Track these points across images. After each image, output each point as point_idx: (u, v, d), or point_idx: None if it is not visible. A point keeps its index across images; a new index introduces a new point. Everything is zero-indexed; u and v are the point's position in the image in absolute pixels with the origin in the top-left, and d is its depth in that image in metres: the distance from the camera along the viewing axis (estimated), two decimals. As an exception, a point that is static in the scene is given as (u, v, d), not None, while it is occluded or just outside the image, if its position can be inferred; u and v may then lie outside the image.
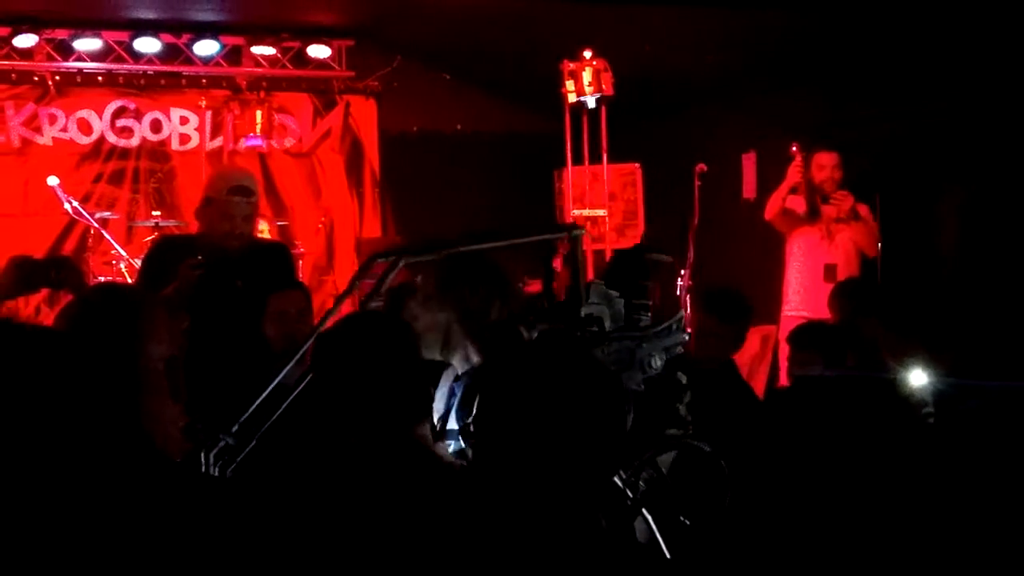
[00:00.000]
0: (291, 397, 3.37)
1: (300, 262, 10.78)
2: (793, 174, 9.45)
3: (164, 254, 6.02)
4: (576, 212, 11.35)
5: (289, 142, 12.36)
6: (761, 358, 10.70)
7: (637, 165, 11.71)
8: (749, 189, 11.62)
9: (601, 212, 11.41)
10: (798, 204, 9.50)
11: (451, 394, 4.01)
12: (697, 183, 10.36)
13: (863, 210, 9.34)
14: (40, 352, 2.13)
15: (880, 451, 2.92)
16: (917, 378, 4.49)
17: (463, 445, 3.78)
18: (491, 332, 3.86)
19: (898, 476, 2.84)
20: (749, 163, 11.59)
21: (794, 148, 9.47)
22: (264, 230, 10.10)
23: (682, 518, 3.52)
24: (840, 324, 6.91)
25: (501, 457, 2.68)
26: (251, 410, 3.34)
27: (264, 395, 3.38)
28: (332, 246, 12.37)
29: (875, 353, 6.05)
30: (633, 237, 11.55)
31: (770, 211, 9.68)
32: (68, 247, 11.30)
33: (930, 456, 2.89)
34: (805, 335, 6.19)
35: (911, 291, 9.79)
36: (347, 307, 4.26)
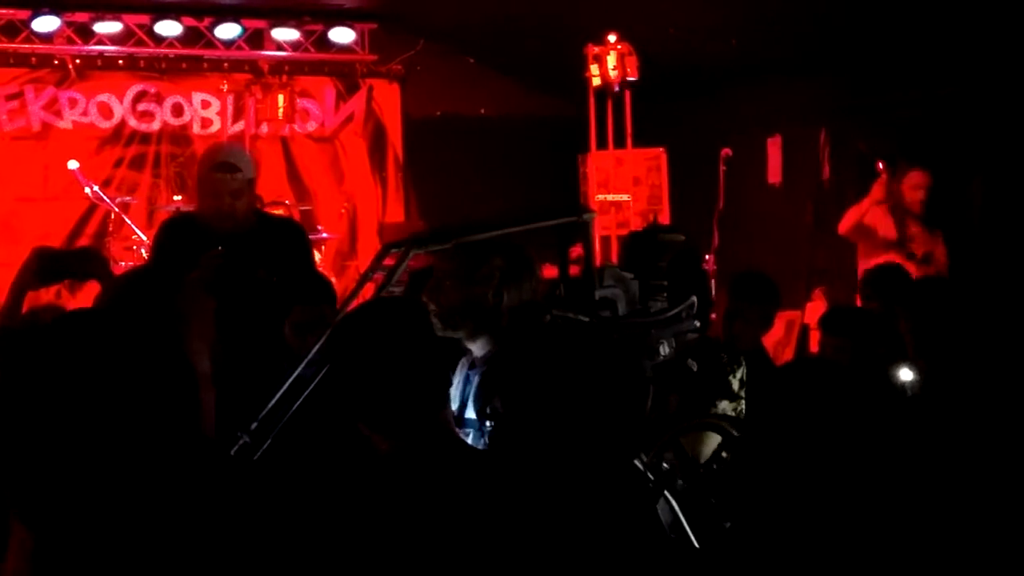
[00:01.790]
0: (307, 391, 3.31)
1: (323, 247, 10.74)
2: (877, 192, 9.14)
3: (172, 234, 5.92)
4: (600, 197, 11.28)
5: (312, 126, 12.32)
6: (785, 344, 10.62)
7: (662, 150, 11.63)
8: (774, 173, 11.55)
9: (625, 197, 11.33)
10: (885, 227, 9.18)
11: (466, 381, 3.96)
12: (722, 168, 10.29)
13: (939, 252, 9.04)
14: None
15: (864, 444, 2.85)
16: (905, 374, 4.42)
17: (481, 435, 3.73)
18: (509, 320, 3.79)
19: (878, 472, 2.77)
20: (774, 147, 11.51)
21: (880, 165, 9.17)
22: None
23: (712, 500, 3.49)
24: (876, 310, 6.78)
25: (519, 444, 2.67)
26: (269, 407, 3.29)
27: (282, 392, 3.33)
28: (355, 231, 12.33)
29: (900, 342, 5.96)
30: (659, 222, 11.48)
31: (845, 225, 9.41)
32: (89, 231, 11.31)
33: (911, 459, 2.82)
34: (838, 320, 6.07)
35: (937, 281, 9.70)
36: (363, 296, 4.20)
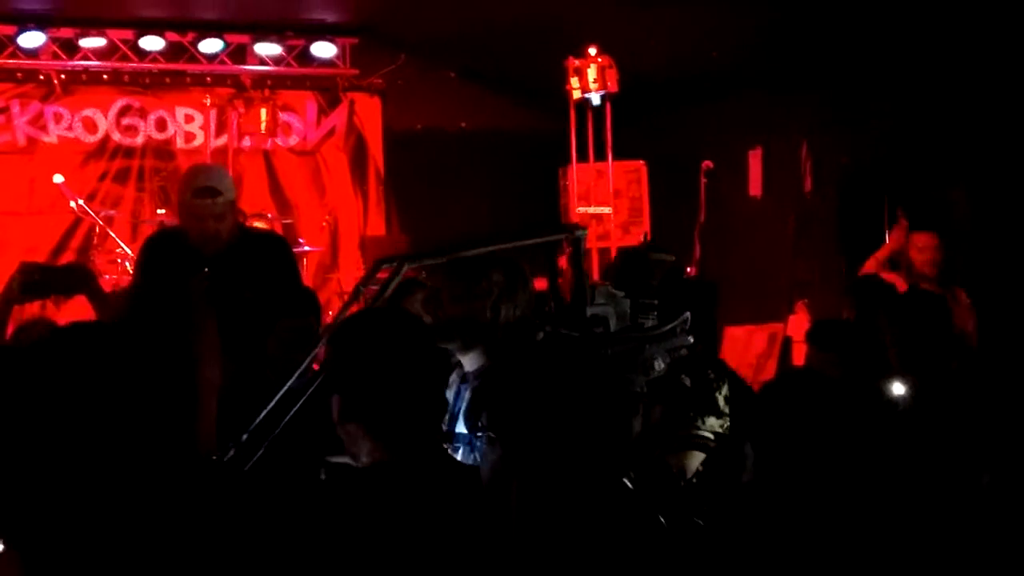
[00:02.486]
0: (299, 404, 3.36)
1: (304, 260, 10.77)
2: (896, 238, 8.96)
3: (157, 249, 5.92)
4: (581, 210, 11.34)
5: (293, 140, 12.36)
6: (768, 356, 10.69)
7: (642, 162, 11.69)
8: (755, 186, 11.60)
9: (606, 210, 11.39)
10: (898, 282, 9.03)
11: (458, 396, 3.99)
12: (703, 180, 10.35)
13: (961, 294, 8.95)
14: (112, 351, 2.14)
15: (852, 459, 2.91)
16: (896, 388, 4.45)
17: (471, 449, 3.77)
18: (501, 335, 3.84)
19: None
20: (755, 160, 11.57)
21: (900, 211, 9.01)
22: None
23: (696, 519, 3.52)
24: (859, 321, 6.82)
25: (509, 460, 2.70)
26: (260, 417, 3.34)
27: (273, 403, 3.37)
28: (336, 244, 12.36)
29: (883, 354, 6.00)
30: (638, 234, 11.53)
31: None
32: (73, 245, 11.34)
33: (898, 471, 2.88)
34: (826, 334, 6.10)
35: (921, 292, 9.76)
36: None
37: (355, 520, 2.75)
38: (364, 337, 3.06)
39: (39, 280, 4.76)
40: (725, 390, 4.45)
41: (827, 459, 2.89)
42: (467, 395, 3.86)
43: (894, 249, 8.96)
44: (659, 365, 3.60)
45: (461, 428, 3.86)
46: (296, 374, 3.63)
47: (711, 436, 4.35)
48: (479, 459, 3.69)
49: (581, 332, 3.45)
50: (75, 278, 4.85)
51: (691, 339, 3.77)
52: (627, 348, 3.57)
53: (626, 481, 3.40)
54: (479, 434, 3.72)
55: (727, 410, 4.36)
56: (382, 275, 3.68)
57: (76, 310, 9.38)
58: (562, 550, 2.62)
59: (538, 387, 2.74)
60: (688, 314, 3.78)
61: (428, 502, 2.85)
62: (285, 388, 3.61)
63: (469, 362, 3.94)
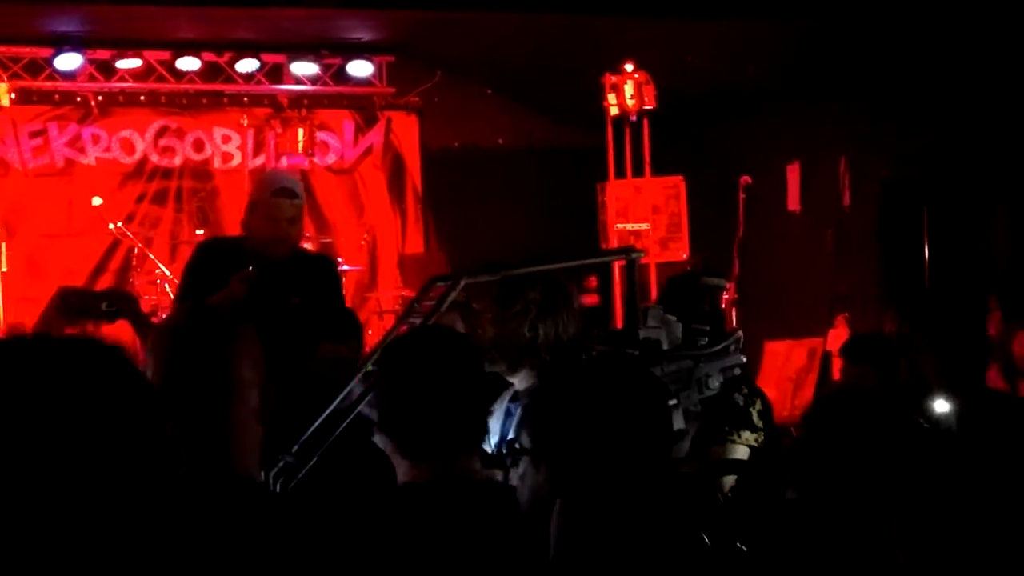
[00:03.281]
0: (350, 416, 3.34)
1: (343, 279, 10.76)
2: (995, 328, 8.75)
3: (210, 256, 5.94)
4: (619, 226, 11.30)
5: (331, 159, 12.38)
6: (808, 371, 10.63)
7: (680, 178, 11.65)
8: (794, 201, 11.56)
9: (644, 226, 11.35)
10: (996, 380, 8.71)
11: (507, 414, 3.98)
12: (742, 195, 10.30)
13: None
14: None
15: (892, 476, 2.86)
16: (941, 406, 4.39)
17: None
18: (548, 354, 3.82)
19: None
20: (794, 174, 11.53)
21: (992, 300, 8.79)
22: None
23: (737, 542, 3.49)
24: (892, 336, 6.80)
25: (552, 477, 2.68)
26: (311, 430, 3.31)
27: (325, 415, 3.35)
28: (375, 263, 12.36)
29: (921, 371, 5.96)
30: (677, 250, 11.50)
31: None
32: (112, 267, 11.38)
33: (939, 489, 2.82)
34: (860, 348, 6.08)
35: (960, 304, 9.71)
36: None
37: (385, 540, 2.73)
38: (411, 356, 3.06)
39: (77, 306, 4.76)
40: (759, 405, 4.47)
41: (875, 482, 2.84)
42: (518, 414, 3.84)
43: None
44: (714, 384, 3.56)
45: (513, 444, 3.84)
46: (342, 394, 3.60)
47: (747, 448, 4.35)
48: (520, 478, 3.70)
49: (640, 349, 3.41)
50: (116, 303, 4.85)
51: (743, 358, 3.73)
52: (680, 366, 3.53)
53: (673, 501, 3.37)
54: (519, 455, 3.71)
55: (761, 424, 4.36)
56: (434, 293, 3.66)
57: (115, 332, 9.45)
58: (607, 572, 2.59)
59: (592, 403, 2.71)
60: (740, 333, 3.75)
61: (461, 524, 2.84)
62: (331, 407, 3.59)
63: (519, 382, 3.93)
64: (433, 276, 3.76)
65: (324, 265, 6.17)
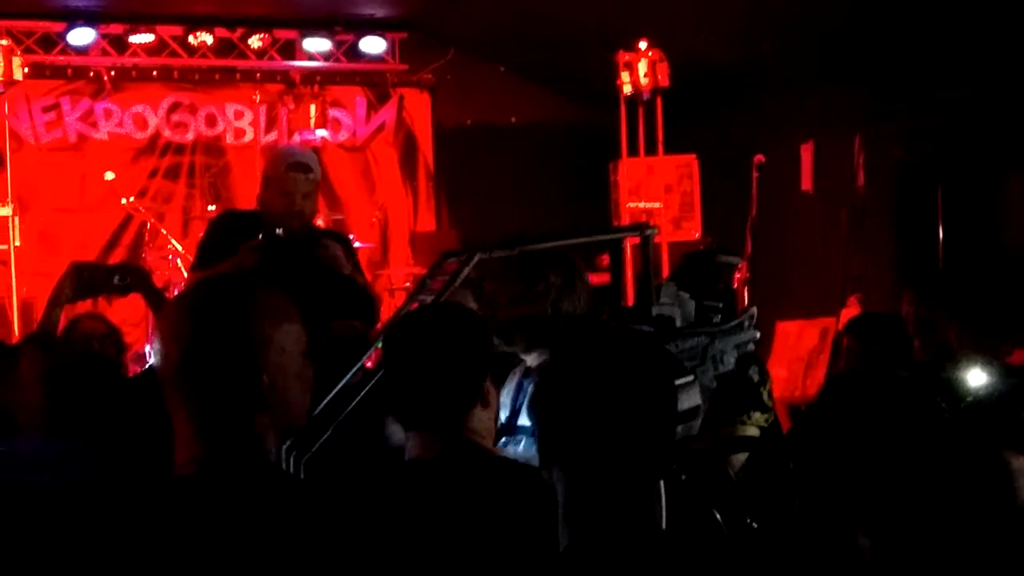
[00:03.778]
0: (364, 390, 3.33)
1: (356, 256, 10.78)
2: None
3: (226, 228, 5.93)
4: (632, 205, 11.28)
5: (343, 136, 12.37)
6: (820, 351, 10.61)
7: (693, 156, 11.62)
8: (807, 180, 11.51)
9: (657, 205, 11.32)
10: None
11: (519, 389, 3.97)
12: (755, 174, 10.25)
13: None
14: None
15: (913, 459, 2.82)
16: (976, 379, 4.35)
17: (533, 442, 3.73)
18: (563, 330, 3.81)
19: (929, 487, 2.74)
20: (807, 154, 11.48)
21: None
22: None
23: (749, 520, 3.48)
24: (909, 316, 6.77)
25: (558, 452, 2.67)
26: (323, 404, 3.31)
27: (338, 389, 3.35)
28: (387, 240, 12.36)
29: (947, 348, 5.94)
30: (689, 230, 11.47)
31: None
32: (125, 242, 11.40)
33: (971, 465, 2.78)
34: (866, 326, 6.05)
35: (975, 282, 9.68)
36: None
37: (393, 515, 2.73)
38: (422, 331, 3.05)
39: (89, 280, 4.75)
40: (769, 385, 4.45)
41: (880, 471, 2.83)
42: (530, 389, 3.83)
43: None
44: (729, 360, 3.54)
45: (524, 421, 3.83)
46: (352, 370, 3.59)
47: (757, 430, 4.34)
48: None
49: (653, 326, 3.39)
50: (130, 277, 4.84)
51: (757, 334, 3.71)
52: (696, 342, 3.51)
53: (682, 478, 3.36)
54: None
55: (770, 404, 4.35)
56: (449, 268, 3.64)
57: (127, 305, 9.46)
58: (614, 546, 2.57)
59: (597, 379, 2.70)
60: (755, 309, 3.72)
61: (470, 500, 2.83)
62: (342, 384, 3.58)
63: (532, 359, 3.91)
64: (445, 252, 3.73)
65: (338, 241, 6.15)
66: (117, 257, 11.20)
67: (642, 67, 10.81)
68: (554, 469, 2.57)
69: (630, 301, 3.89)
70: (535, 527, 2.71)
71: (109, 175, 10.62)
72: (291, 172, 5.69)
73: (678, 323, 3.71)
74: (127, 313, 9.39)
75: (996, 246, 9.91)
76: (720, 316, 3.80)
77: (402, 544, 2.66)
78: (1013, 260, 9.83)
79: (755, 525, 3.36)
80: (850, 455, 2.88)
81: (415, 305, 3.65)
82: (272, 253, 5.54)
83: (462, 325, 3.21)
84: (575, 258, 4.02)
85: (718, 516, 3.34)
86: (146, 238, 10.70)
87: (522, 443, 3.78)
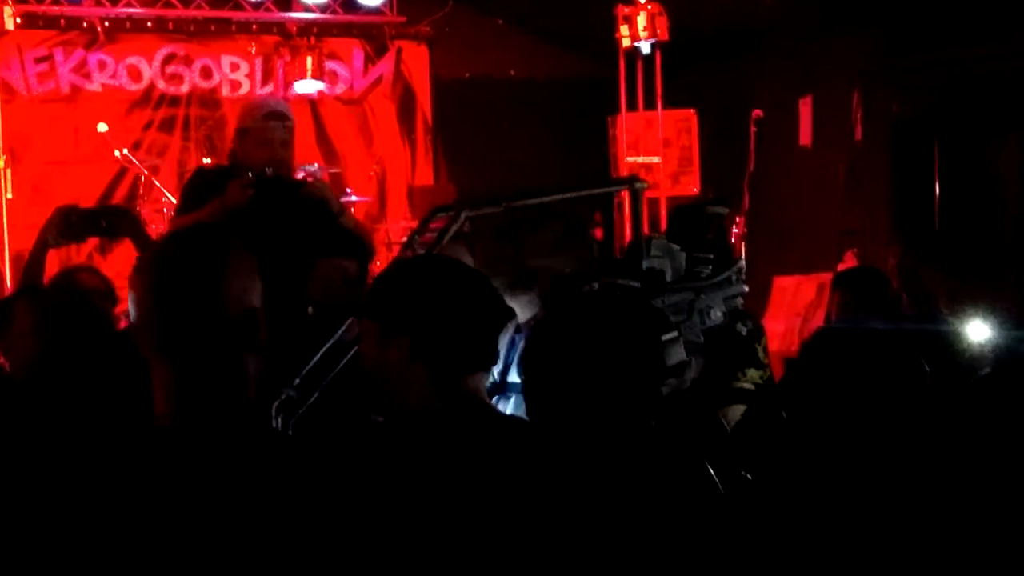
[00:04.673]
0: (352, 351, 3.31)
1: (352, 210, 10.75)
2: None
3: (202, 184, 5.89)
4: (630, 159, 11.23)
5: (340, 88, 12.30)
6: (817, 305, 10.60)
7: (692, 111, 11.57)
8: (805, 135, 11.47)
9: (655, 159, 11.28)
10: None
11: (511, 346, 3.95)
12: (753, 129, 10.21)
13: None
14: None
15: (907, 414, 2.81)
16: (977, 332, 4.33)
17: (524, 399, 3.72)
18: (555, 286, 3.78)
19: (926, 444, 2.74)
20: (805, 109, 11.43)
21: None
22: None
23: (744, 473, 3.48)
24: (893, 268, 6.77)
25: (550, 406, 2.66)
26: (312, 363, 3.29)
27: (326, 348, 3.33)
28: (384, 194, 12.32)
29: (932, 303, 5.92)
30: (688, 184, 11.43)
31: None
32: (119, 195, 11.31)
33: (971, 423, 2.77)
34: (853, 279, 6.05)
35: (970, 239, 9.67)
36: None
37: (394, 469, 2.68)
38: (414, 280, 2.94)
39: (76, 223, 4.71)
40: (764, 341, 4.44)
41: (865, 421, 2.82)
42: (521, 345, 3.81)
43: None
44: (716, 315, 3.53)
45: (514, 378, 3.81)
46: (343, 328, 3.57)
47: (752, 387, 4.33)
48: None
49: (641, 282, 3.37)
50: (117, 220, 4.80)
51: (745, 288, 3.70)
52: (682, 297, 3.50)
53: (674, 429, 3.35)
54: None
55: (766, 361, 4.34)
56: (436, 224, 3.62)
57: (123, 259, 9.42)
58: (608, 501, 2.57)
59: (589, 335, 2.68)
60: (743, 262, 3.72)
61: (470, 452, 2.79)
62: (333, 340, 3.56)
63: (523, 312, 3.89)
64: (435, 207, 3.71)
65: (320, 187, 6.08)
66: (110, 208, 11.16)
67: (641, 20, 10.75)
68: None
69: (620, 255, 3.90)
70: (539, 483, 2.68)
71: (102, 127, 10.53)
72: (269, 121, 5.69)
73: (668, 276, 3.70)
74: (122, 266, 9.37)
75: (992, 204, 9.88)
76: (711, 267, 3.79)
77: (404, 499, 2.64)
78: (1008, 218, 9.81)
79: (749, 477, 3.36)
80: (827, 408, 2.88)
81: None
82: (263, 191, 5.50)
83: (467, 279, 3.07)
84: (567, 222, 4.00)
85: (710, 469, 3.33)
86: (140, 191, 10.64)
87: (512, 400, 3.77)
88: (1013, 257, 9.51)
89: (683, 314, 3.44)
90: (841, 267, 10.40)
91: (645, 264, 3.62)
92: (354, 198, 10.93)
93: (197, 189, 5.91)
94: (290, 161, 5.88)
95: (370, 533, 2.29)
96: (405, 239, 10.97)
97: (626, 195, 4.85)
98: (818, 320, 10.40)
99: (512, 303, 3.89)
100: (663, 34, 10.72)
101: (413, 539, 2.47)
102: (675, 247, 3.72)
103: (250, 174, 5.55)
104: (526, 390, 2.69)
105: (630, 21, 10.77)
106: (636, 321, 2.78)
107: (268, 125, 5.68)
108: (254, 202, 5.47)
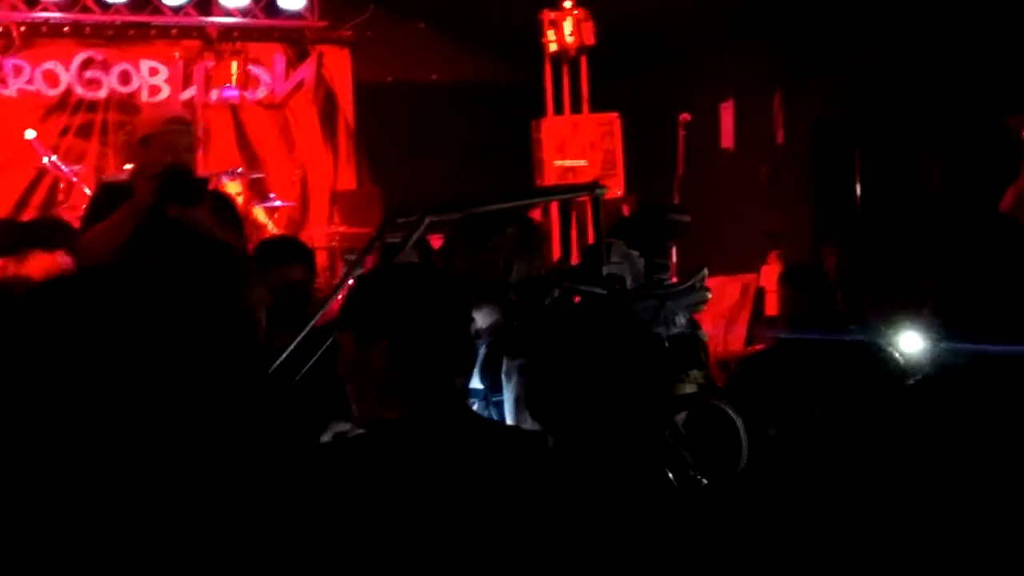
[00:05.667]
0: (320, 353, 3.26)
1: (275, 215, 10.71)
2: None
3: (107, 199, 5.75)
4: (557, 163, 11.25)
5: (261, 93, 12.20)
6: (741, 306, 10.70)
7: (615, 115, 11.61)
8: (727, 138, 11.56)
9: (581, 162, 11.31)
10: None
11: (471, 352, 3.94)
12: (682, 133, 10.28)
13: None
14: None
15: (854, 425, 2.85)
16: (907, 339, 4.34)
17: (486, 405, 3.72)
18: (518, 292, 3.78)
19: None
20: (727, 112, 11.52)
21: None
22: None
23: (697, 476, 3.49)
24: (831, 269, 6.85)
25: (563, 414, 2.66)
26: (276, 365, 3.24)
27: (289, 349, 3.28)
28: (307, 199, 12.23)
29: (860, 306, 5.99)
30: (613, 187, 11.46)
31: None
32: (35, 201, 11.12)
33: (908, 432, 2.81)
34: (801, 275, 6.12)
35: (891, 241, 9.78)
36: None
37: (369, 479, 2.66)
38: (389, 287, 2.90)
39: (15, 237, 4.63)
40: (705, 339, 4.48)
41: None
42: (482, 351, 3.79)
43: None
44: (680, 321, 3.54)
45: (476, 384, 3.80)
46: (309, 325, 3.50)
47: (696, 388, 4.36)
48: (494, 416, 3.68)
49: (607, 289, 3.37)
50: (57, 233, 4.72)
51: (708, 295, 3.72)
52: (648, 304, 3.51)
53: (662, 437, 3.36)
54: (495, 393, 3.68)
55: (706, 360, 4.38)
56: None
57: (38, 269, 9.25)
58: (594, 507, 2.57)
59: (569, 341, 2.67)
60: (706, 270, 3.74)
61: (450, 460, 2.77)
62: (292, 346, 3.50)
63: (482, 318, 3.87)
64: (393, 213, 3.68)
65: (220, 202, 5.98)
66: (28, 217, 10.94)
67: (568, 26, 10.78)
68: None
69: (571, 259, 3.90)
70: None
71: (30, 133, 10.35)
72: (172, 125, 5.57)
73: (628, 282, 3.71)
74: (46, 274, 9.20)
75: (913, 206, 10.01)
76: (668, 273, 3.81)
77: (382, 508, 2.61)
78: (929, 221, 9.94)
79: (703, 480, 3.37)
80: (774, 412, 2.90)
81: (367, 266, 3.59)
82: (169, 182, 5.33)
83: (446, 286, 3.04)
84: (537, 224, 4.01)
85: (670, 475, 3.34)
86: (59, 197, 10.46)
87: (475, 406, 3.75)
88: (934, 259, 9.62)
89: (650, 321, 3.45)
90: (765, 269, 10.51)
91: (606, 269, 3.63)
92: (277, 203, 10.85)
93: (103, 203, 5.78)
94: (194, 167, 5.77)
95: (356, 540, 2.26)
96: (333, 244, 10.96)
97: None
98: (743, 321, 10.52)
99: (476, 312, 3.90)
100: (589, 39, 10.76)
101: (399, 546, 2.45)
102: (634, 253, 3.74)
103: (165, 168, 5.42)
104: (530, 400, 2.68)
105: (556, 26, 10.81)
106: (641, 327, 2.79)
107: (171, 129, 5.56)
108: (167, 188, 5.32)
